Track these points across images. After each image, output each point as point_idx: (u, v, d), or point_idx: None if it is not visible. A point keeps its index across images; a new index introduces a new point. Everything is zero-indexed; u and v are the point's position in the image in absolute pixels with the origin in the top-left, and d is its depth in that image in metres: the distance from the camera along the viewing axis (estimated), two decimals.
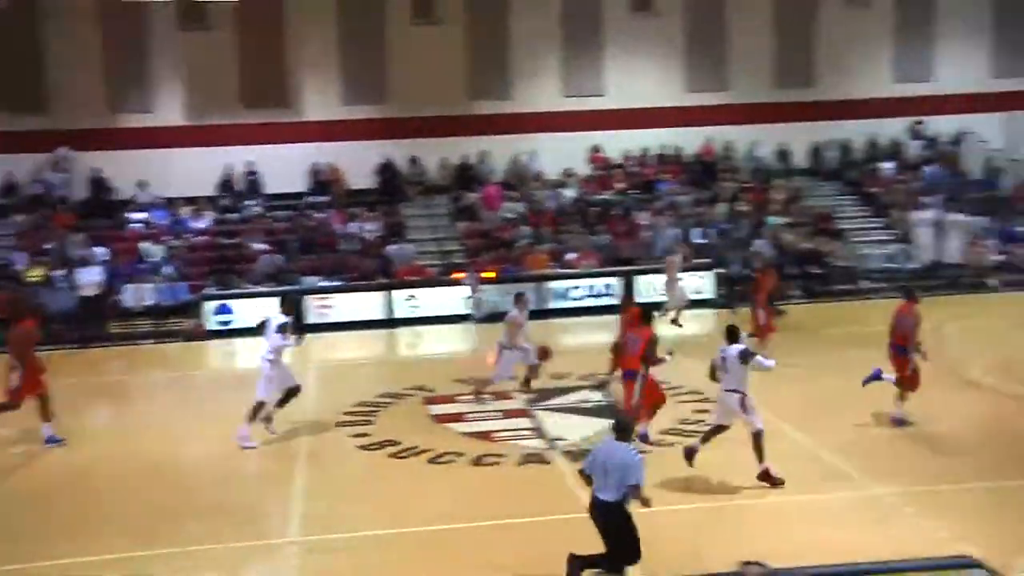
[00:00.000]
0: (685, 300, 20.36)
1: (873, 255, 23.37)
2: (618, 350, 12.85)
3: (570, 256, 22.38)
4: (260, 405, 12.97)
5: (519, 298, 14.95)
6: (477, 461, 12.06)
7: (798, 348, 18.00)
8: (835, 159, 27.64)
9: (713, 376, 11.03)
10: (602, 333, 20.18)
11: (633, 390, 12.16)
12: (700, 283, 21.66)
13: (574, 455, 12.06)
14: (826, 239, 22.92)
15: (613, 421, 8.68)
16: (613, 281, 21.58)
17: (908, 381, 12.68)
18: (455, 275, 21.80)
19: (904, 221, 23.84)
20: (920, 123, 27.84)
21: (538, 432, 13.18)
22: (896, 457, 11.74)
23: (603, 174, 26.63)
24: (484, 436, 13.10)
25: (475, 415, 14.08)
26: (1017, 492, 10.38)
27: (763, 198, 25.18)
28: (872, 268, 23.03)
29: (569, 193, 25.66)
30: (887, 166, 26.67)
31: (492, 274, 21.71)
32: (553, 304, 21.44)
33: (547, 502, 10.65)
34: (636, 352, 12.08)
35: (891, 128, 27.78)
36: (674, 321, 19.68)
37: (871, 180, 26.43)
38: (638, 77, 27.20)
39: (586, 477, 8.44)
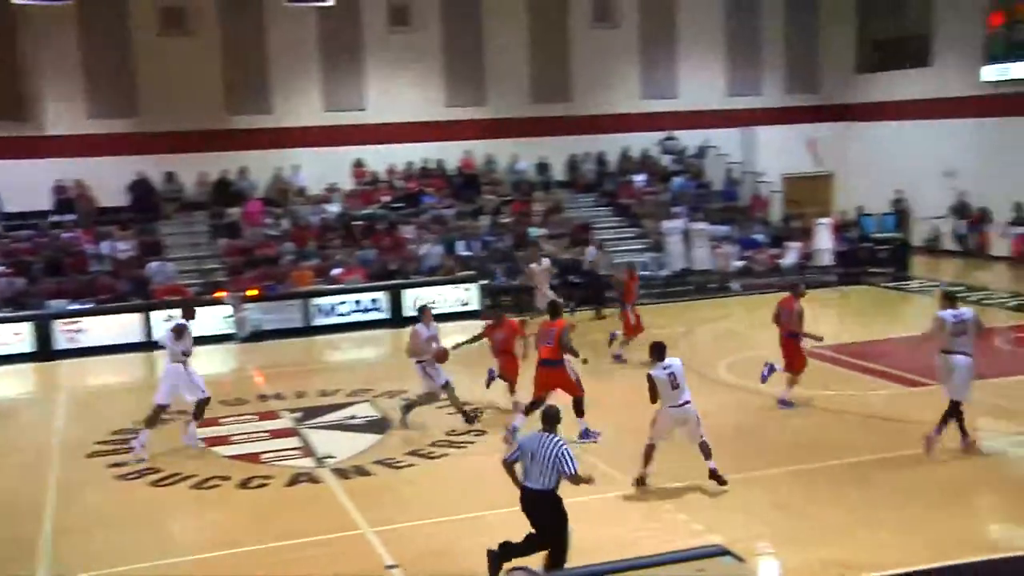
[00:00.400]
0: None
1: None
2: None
3: (336, 272, 22.12)
4: (206, 400, 13.15)
5: (424, 310, 14.28)
6: (244, 484, 11.70)
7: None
8: (591, 172, 28.78)
9: (655, 399, 10.75)
10: (370, 348, 20.16)
11: (564, 374, 12.66)
12: (465, 295, 21.97)
13: (344, 473, 11.95)
14: (583, 249, 23.72)
15: (542, 414, 8.66)
16: (380, 296, 21.52)
17: (796, 366, 13.79)
18: (216, 294, 21.06)
19: (656, 230, 25.09)
20: (672, 138, 29.45)
21: (307, 451, 12.94)
22: (655, 456, 12.27)
23: (366, 188, 26.55)
24: (251, 458, 12.72)
25: (241, 437, 13.65)
26: (761, 480, 11.10)
27: (525, 210, 25.84)
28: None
29: (333, 208, 25.39)
30: (639, 178, 28.02)
31: (255, 292, 21.13)
32: (320, 320, 21.13)
33: (319, 521, 10.46)
34: (552, 343, 12.59)
35: (642, 141, 29.24)
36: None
37: (625, 191, 27.67)
38: (399, 92, 27.32)
39: (509, 467, 8.54)
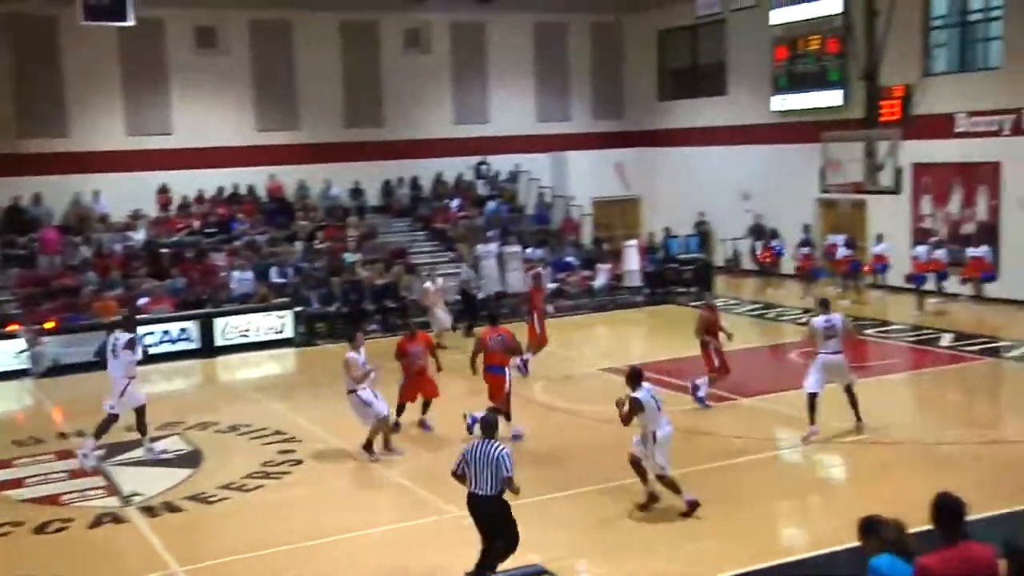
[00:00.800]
0: (447, 326, 20.85)
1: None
2: (475, 356, 13.85)
3: (142, 301, 21.20)
4: (114, 419, 13.34)
5: (355, 337, 13.64)
6: (41, 529, 10.99)
7: (377, 381, 18.43)
8: (406, 196, 28.78)
9: (629, 423, 10.55)
10: (180, 380, 19.41)
11: (503, 383, 13.50)
12: (279, 322, 21.47)
13: (153, 510, 11.43)
14: (401, 273, 23.64)
15: (481, 419, 8.91)
16: (189, 325, 20.75)
17: (720, 370, 14.89)
18: (9, 327, 19.79)
19: (470, 254, 25.28)
20: (484, 163, 29.82)
21: (111, 490, 12.29)
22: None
23: (173, 215, 25.64)
24: (49, 500, 11.97)
25: (37, 479, 12.83)
26: (584, 498, 11.29)
27: (339, 235, 25.56)
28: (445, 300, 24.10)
29: (138, 236, 24.37)
30: (453, 203, 28.23)
31: (52, 324, 19.97)
32: None
33: (124, 563, 9.95)
34: (500, 349, 13.45)
35: (455, 166, 29.48)
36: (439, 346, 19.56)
37: (439, 216, 27.80)
38: (207, 116, 26.59)
39: (459, 478, 8.78)
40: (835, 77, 25.21)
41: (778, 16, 26.24)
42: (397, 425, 13.73)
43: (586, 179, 29.97)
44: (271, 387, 16.48)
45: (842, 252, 23.74)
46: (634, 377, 10.65)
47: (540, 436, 13.91)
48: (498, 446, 8.67)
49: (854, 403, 13.12)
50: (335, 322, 22.27)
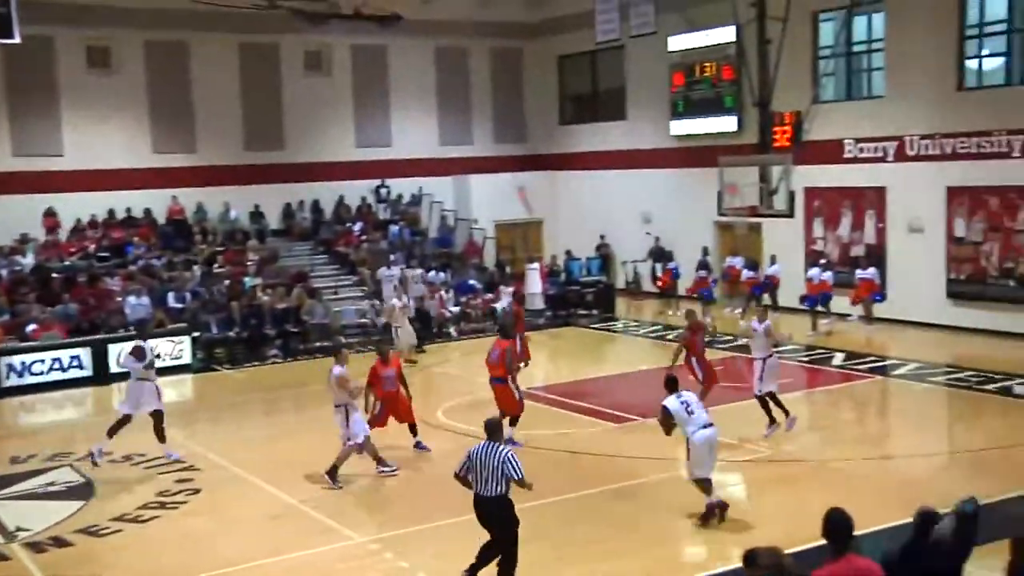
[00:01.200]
0: (412, 342, 20.65)
1: (347, 311, 24.27)
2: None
3: (30, 328, 20.46)
4: (127, 419, 13.95)
5: (339, 352, 13.46)
6: None
7: (278, 407, 18.17)
8: (307, 220, 28.47)
9: (669, 431, 11.05)
10: (72, 409, 18.78)
11: (507, 391, 13.84)
12: (177, 348, 20.96)
13: (39, 546, 10.99)
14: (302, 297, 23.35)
15: (485, 424, 9.08)
16: (81, 352, 20.09)
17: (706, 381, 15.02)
18: None
19: (373, 278, 25.14)
20: (384, 186, 29.69)
21: None
22: (376, 506, 12.24)
23: (64, 239, 24.86)
24: None
25: None
26: (476, 524, 11.25)
27: (239, 259, 25.13)
28: (346, 324, 23.91)
29: (26, 260, 23.55)
30: (355, 226, 28.02)
31: None
32: (12, 382, 19.39)
33: None
34: (497, 361, 13.67)
35: (358, 189, 29.31)
36: (409, 360, 19.31)
37: (341, 239, 27.57)
38: (100, 137, 25.95)
39: (462, 480, 8.91)
40: (730, 103, 25.87)
41: (675, 43, 26.82)
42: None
43: (488, 202, 30.10)
44: (168, 415, 16.00)
45: (747, 274, 24.29)
46: (668, 384, 11.07)
47: (437, 460, 13.87)
48: (503, 449, 8.81)
49: (779, 403, 14.01)
50: (235, 347, 21.94)
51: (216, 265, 24.78)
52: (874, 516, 9.35)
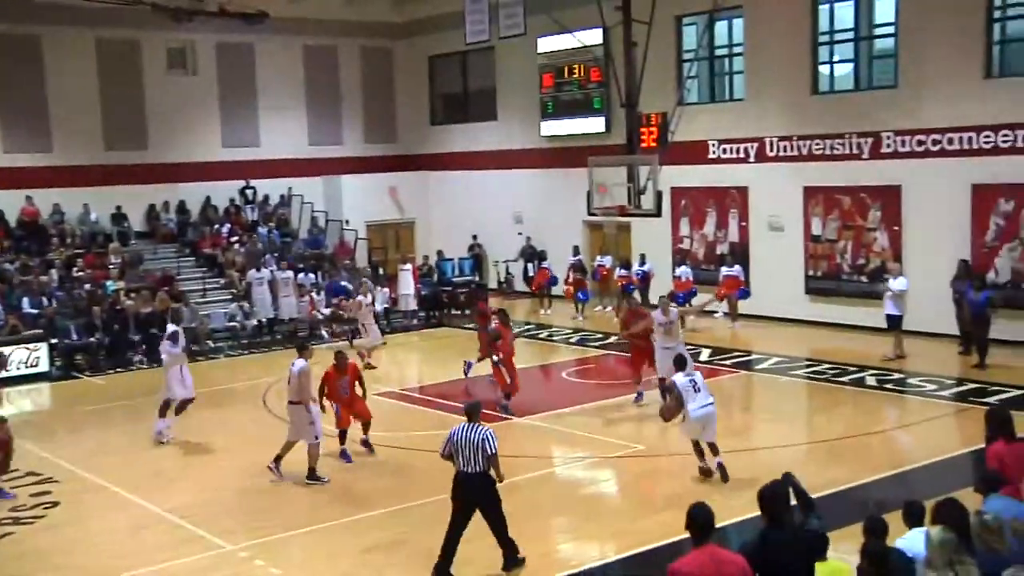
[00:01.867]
0: (380, 340, 20.37)
1: (215, 315, 23.68)
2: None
3: None
4: (168, 403, 14.88)
5: (304, 347, 13.48)
6: None
7: (143, 414, 17.57)
8: (172, 222, 27.65)
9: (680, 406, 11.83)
10: None
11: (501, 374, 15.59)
12: (33, 356, 20.03)
13: None
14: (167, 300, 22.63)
15: (465, 406, 9.75)
16: None
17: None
18: None
19: (242, 281, 24.57)
20: (251, 187, 29.05)
21: None
22: (245, 513, 11.95)
23: None
24: None
25: None
26: (353, 526, 11.14)
27: (100, 263, 24.20)
28: (215, 328, 23.34)
29: None
30: (223, 228, 27.33)
31: None
32: None
33: None
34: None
35: (225, 190, 28.61)
36: (368, 365, 18.76)
37: (208, 241, 26.86)
38: None
39: (448, 458, 9.44)
40: (598, 105, 26.28)
41: (545, 45, 27.08)
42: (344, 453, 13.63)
43: (360, 203, 29.80)
44: (23, 425, 15.30)
45: (620, 272, 24.68)
46: (676, 362, 12.58)
47: (304, 463, 13.67)
48: (482, 428, 9.37)
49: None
50: (97, 353, 21.12)
51: (76, 269, 23.80)
52: (742, 508, 9.65)
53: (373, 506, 11.68)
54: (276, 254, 25.91)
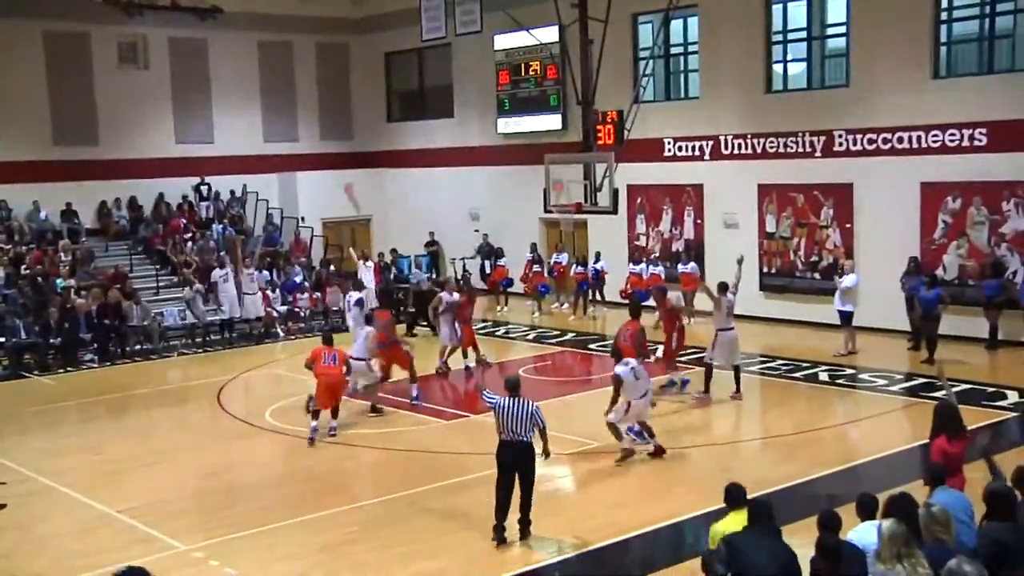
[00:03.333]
0: (451, 342, 19.26)
1: (169, 313, 23.37)
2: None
3: None
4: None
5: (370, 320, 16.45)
6: None
7: (93, 414, 17.34)
8: (124, 219, 27.27)
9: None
10: None
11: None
12: None
13: None
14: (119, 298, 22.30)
15: (506, 382, 10.42)
16: None
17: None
18: None
19: (193, 278, 24.23)
20: (205, 183, 28.73)
21: None
22: (198, 512, 11.84)
23: None
24: None
25: None
26: (311, 524, 11.06)
27: (49, 260, 23.79)
28: (169, 326, 23.04)
29: None
30: (177, 224, 26.99)
31: None
32: None
33: None
34: (629, 343, 14.01)
35: (179, 187, 28.27)
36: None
37: (161, 239, 26.53)
38: None
39: (492, 407, 10.16)
40: (555, 102, 26.32)
41: (501, 42, 27.07)
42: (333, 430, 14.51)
43: (315, 200, 29.60)
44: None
45: (577, 269, 24.75)
46: (614, 354, 13.53)
47: (261, 464, 13.58)
48: (529, 402, 10.14)
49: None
50: (46, 352, 20.76)
51: (24, 266, 23.39)
52: (703, 502, 9.68)
53: (326, 505, 11.61)
54: (231, 251, 25.43)
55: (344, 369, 14.41)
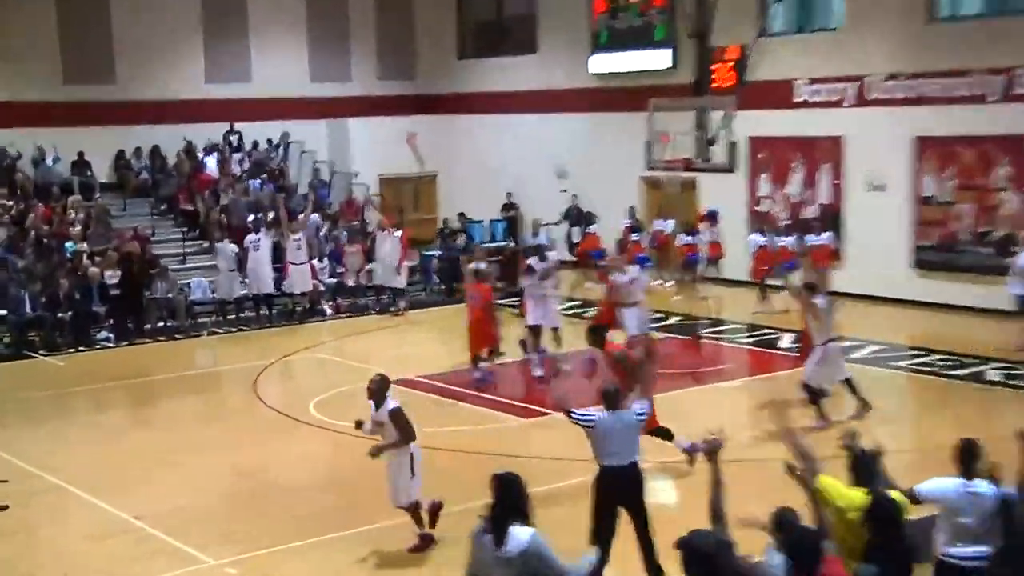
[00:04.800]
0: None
1: (197, 284, 23.68)
2: None
3: None
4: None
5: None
6: None
7: (109, 402, 17.71)
8: (145, 171, 27.73)
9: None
10: None
11: None
12: None
13: None
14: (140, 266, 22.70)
15: (602, 394, 9.73)
16: None
17: None
18: None
19: (231, 243, 24.30)
20: (235, 131, 29.04)
21: None
22: (229, 521, 11.97)
23: None
24: None
25: None
26: (365, 537, 11.13)
27: (57, 219, 24.28)
28: (197, 300, 23.36)
29: None
30: (207, 176, 27.32)
31: None
32: None
33: None
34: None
35: (210, 134, 28.64)
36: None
37: (188, 195, 26.90)
38: None
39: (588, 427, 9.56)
40: (661, 35, 26.01)
41: None
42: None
43: (371, 152, 29.75)
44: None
45: (684, 240, 24.50)
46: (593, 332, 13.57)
47: (302, 466, 13.70)
48: (629, 412, 9.64)
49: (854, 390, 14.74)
50: (54, 329, 21.20)
51: (27, 225, 23.87)
52: None
53: (382, 515, 11.60)
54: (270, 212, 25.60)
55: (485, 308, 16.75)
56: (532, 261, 18.46)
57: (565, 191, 28.30)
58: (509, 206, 29.39)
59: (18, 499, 12.55)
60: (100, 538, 11.40)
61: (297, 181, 29.06)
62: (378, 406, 10.64)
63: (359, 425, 10.86)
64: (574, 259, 27.12)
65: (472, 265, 18.14)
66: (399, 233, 24.02)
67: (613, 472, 9.54)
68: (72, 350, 20.75)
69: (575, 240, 27.55)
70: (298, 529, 11.36)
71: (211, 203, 26.42)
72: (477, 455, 13.65)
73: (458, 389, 16.97)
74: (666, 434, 12.75)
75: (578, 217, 27.75)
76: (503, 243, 27.43)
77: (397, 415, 10.54)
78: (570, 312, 22.43)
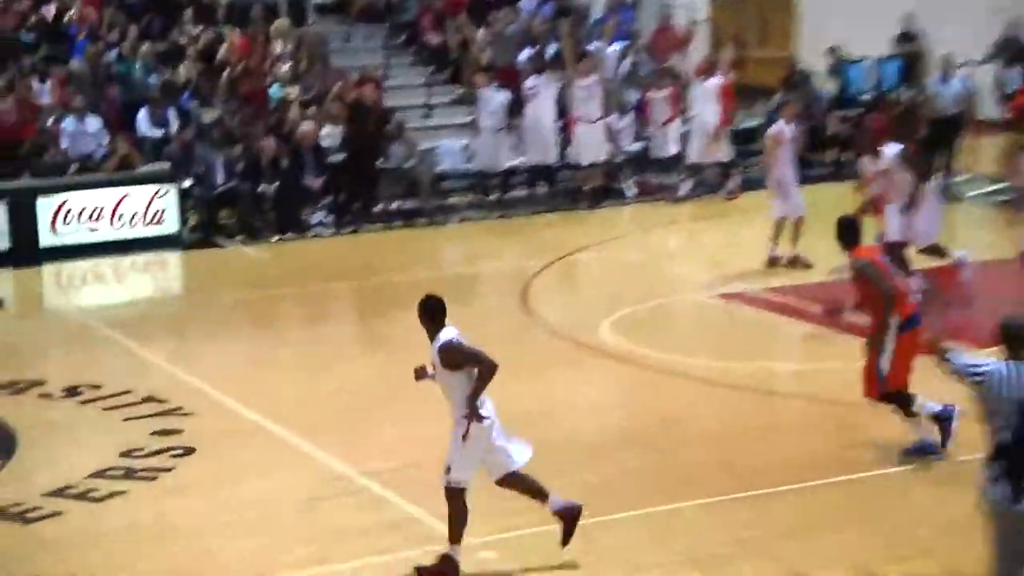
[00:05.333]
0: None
1: (447, 150, 23.91)
2: None
3: None
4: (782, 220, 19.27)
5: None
6: None
7: (324, 312, 18.38)
8: None
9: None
10: None
11: None
12: (155, 209, 20.99)
13: None
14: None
15: (1002, 329, 8.91)
16: None
17: None
18: None
19: (498, 89, 24.32)
20: None
21: None
22: (485, 486, 12.06)
23: None
24: None
25: None
26: (713, 508, 11.38)
27: (258, 53, 24.92)
28: (448, 171, 23.70)
29: None
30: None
31: None
32: None
33: None
34: None
35: None
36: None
37: (436, 23, 27.24)
38: None
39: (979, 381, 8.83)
40: None
41: None
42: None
43: None
44: (139, 321, 16.42)
45: None
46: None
47: (605, 409, 13.94)
48: None
49: None
50: (253, 207, 21.94)
51: (217, 61, 24.72)
52: None
53: (716, 487, 11.66)
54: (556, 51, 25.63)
55: None
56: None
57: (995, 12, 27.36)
58: (907, 36, 28.55)
59: (206, 439, 13.19)
60: (312, 500, 11.83)
61: (590, 1, 29.09)
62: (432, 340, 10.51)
63: (421, 374, 10.79)
64: (1010, 117, 26.16)
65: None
66: (718, 80, 23.75)
67: (1016, 453, 8.71)
68: (277, 237, 21.65)
69: (1011, 89, 26.59)
70: (589, 501, 11.44)
71: (469, 33, 26.76)
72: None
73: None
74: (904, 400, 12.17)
75: (1016, 54, 26.79)
76: (898, 92, 26.80)
77: (449, 350, 10.50)
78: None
